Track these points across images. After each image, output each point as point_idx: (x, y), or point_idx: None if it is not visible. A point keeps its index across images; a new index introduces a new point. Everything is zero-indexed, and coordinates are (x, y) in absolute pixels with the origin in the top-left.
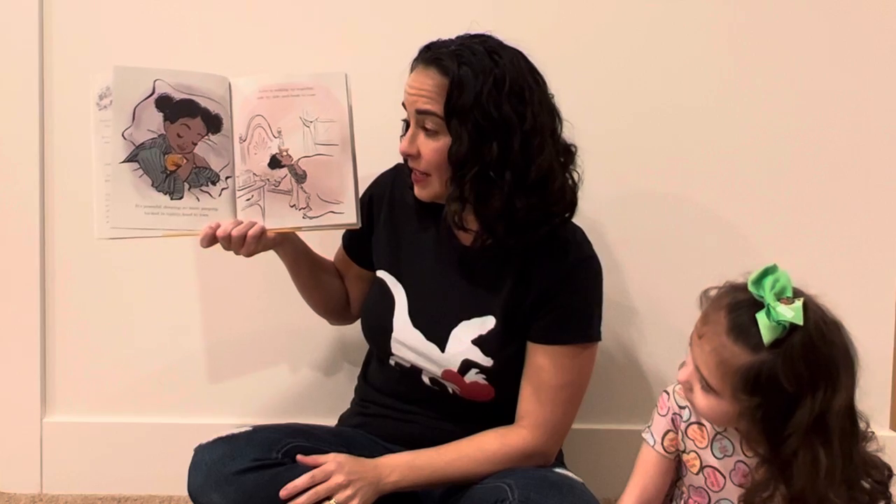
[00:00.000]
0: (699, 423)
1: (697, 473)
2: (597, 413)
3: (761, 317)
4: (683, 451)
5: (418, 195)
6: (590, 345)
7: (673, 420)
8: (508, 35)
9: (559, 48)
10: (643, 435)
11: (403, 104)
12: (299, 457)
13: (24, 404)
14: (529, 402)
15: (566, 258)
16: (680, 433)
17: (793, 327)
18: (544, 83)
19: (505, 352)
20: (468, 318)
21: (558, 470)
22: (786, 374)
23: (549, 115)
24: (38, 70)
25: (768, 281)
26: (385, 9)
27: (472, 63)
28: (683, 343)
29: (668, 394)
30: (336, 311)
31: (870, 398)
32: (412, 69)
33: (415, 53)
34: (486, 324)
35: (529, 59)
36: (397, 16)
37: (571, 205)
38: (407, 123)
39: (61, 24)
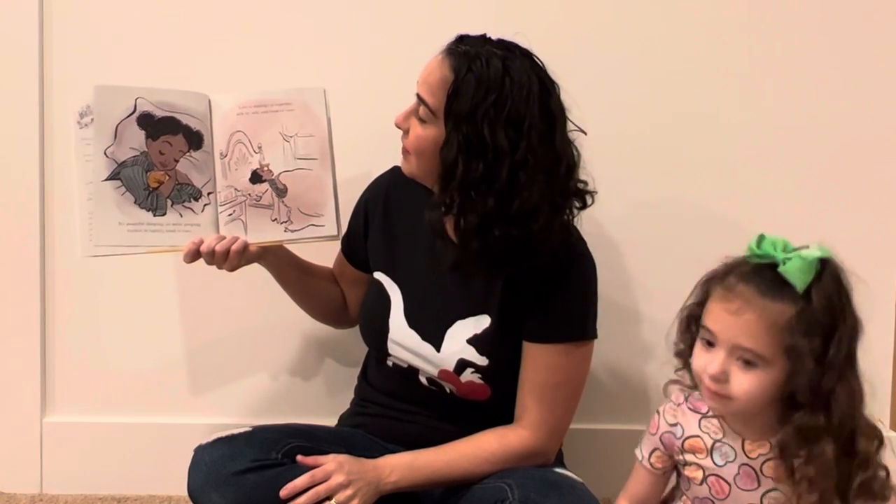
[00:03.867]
0: (696, 436)
1: (701, 484)
2: (597, 413)
3: (795, 264)
4: (685, 465)
5: (401, 166)
6: (586, 342)
7: (663, 439)
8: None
9: (560, 47)
10: (635, 451)
11: None
12: (299, 457)
13: (24, 404)
14: (527, 401)
15: (560, 256)
16: (675, 450)
17: (821, 266)
18: (558, 122)
19: (500, 350)
20: (463, 318)
21: (558, 470)
22: (825, 309)
23: (549, 154)
24: (38, 74)
25: (767, 242)
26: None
27: (480, 73)
28: None
29: (658, 414)
30: (332, 316)
31: (870, 398)
32: (441, 51)
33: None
34: (482, 323)
35: (557, 94)
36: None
37: (558, 247)
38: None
39: (61, 31)
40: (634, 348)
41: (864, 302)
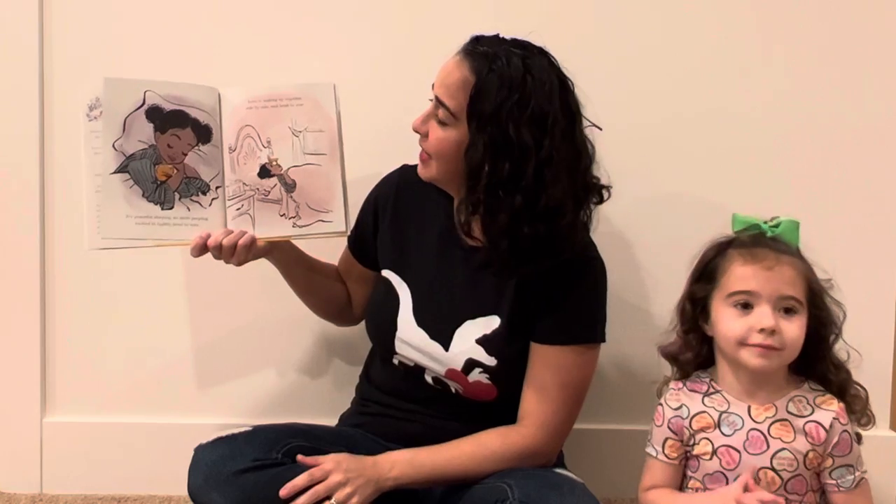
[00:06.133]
0: (702, 412)
1: (710, 459)
2: (597, 413)
3: (787, 227)
4: (694, 444)
5: (419, 172)
6: (593, 346)
7: (671, 426)
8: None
9: (566, 44)
10: (646, 450)
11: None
12: (300, 457)
13: (24, 404)
14: (531, 401)
15: (571, 259)
16: (686, 432)
17: None
18: (577, 119)
19: (509, 351)
20: (473, 318)
21: (558, 470)
22: None
23: (571, 149)
24: (38, 73)
25: (741, 218)
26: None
27: (502, 73)
28: None
29: (661, 405)
30: (336, 314)
31: (870, 398)
32: (457, 52)
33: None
34: (491, 323)
35: (573, 90)
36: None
37: (580, 244)
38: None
39: (61, 28)
40: (636, 348)
41: (865, 302)
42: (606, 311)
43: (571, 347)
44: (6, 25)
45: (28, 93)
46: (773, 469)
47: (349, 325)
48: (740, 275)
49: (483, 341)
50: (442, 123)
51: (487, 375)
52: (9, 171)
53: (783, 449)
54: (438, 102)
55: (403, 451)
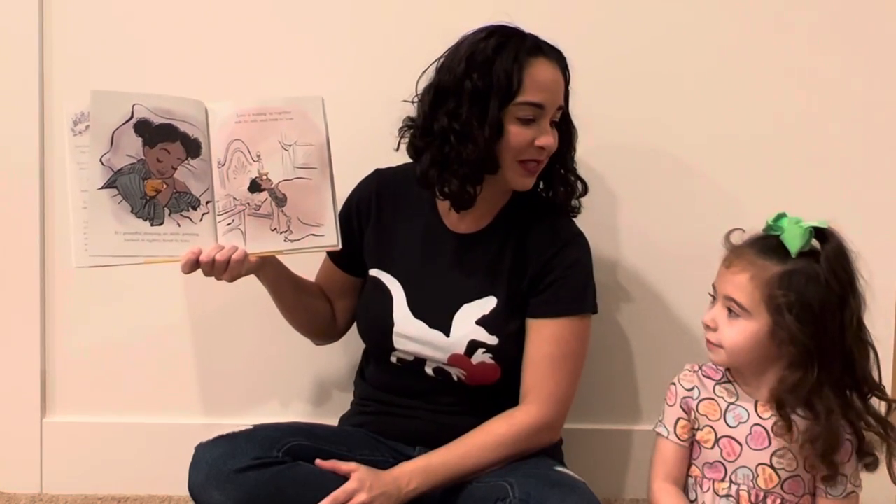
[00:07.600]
0: (710, 398)
1: (712, 447)
2: (597, 413)
3: (790, 229)
4: (698, 429)
5: (527, 185)
6: (586, 316)
7: (682, 405)
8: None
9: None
10: (656, 430)
11: (532, 102)
12: (318, 461)
13: (24, 404)
14: (532, 377)
15: (558, 237)
16: (693, 413)
17: (821, 238)
18: None
19: (508, 328)
20: (469, 301)
21: (559, 469)
22: (832, 272)
23: None
24: (39, 75)
25: (782, 218)
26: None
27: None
28: (687, 344)
29: (674, 384)
30: (320, 332)
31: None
32: (532, 61)
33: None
34: (488, 304)
35: None
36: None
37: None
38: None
39: (61, 31)
40: (635, 349)
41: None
42: (595, 283)
43: (565, 319)
44: (6, 27)
45: (28, 96)
46: (771, 466)
47: (331, 341)
48: (717, 272)
49: (482, 322)
50: (555, 123)
51: (491, 355)
52: (9, 172)
53: (784, 448)
54: (561, 108)
55: (417, 460)
